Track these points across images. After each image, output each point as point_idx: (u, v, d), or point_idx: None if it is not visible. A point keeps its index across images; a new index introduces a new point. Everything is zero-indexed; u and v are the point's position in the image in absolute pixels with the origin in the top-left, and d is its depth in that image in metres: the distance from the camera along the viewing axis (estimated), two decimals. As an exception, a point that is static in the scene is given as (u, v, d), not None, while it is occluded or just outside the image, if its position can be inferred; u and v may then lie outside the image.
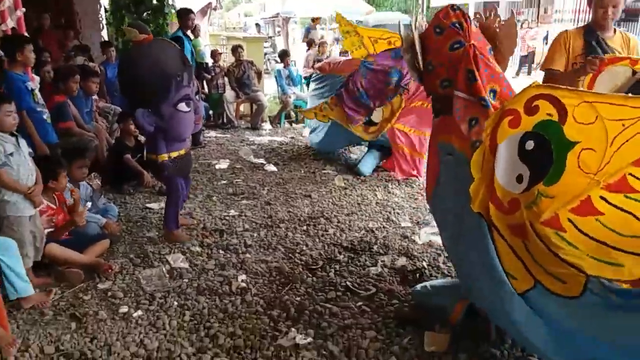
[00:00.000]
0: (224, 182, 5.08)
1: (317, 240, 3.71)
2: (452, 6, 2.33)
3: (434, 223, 3.98)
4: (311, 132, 6.54)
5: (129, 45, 3.36)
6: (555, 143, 1.78)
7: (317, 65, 6.82)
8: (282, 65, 8.52)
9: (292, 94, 8.22)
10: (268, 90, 9.96)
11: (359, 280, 3.12)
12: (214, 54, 8.24)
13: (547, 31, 14.99)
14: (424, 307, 2.77)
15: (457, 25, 2.28)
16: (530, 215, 1.87)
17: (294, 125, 8.27)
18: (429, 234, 3.79)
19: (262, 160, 5.85)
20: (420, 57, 2.42)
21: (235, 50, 8.11)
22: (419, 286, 2.90)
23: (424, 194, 4.66)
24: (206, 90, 8.05)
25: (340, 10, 13.77)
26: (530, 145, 1.85)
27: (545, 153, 1.80)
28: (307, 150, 6.40)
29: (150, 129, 3.18)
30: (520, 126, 1.87)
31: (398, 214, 4.24)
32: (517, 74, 14.58)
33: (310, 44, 11.43)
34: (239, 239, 3.68)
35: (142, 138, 4.91)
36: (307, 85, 8.74)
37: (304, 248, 3.56)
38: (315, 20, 12.68)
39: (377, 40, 5.16)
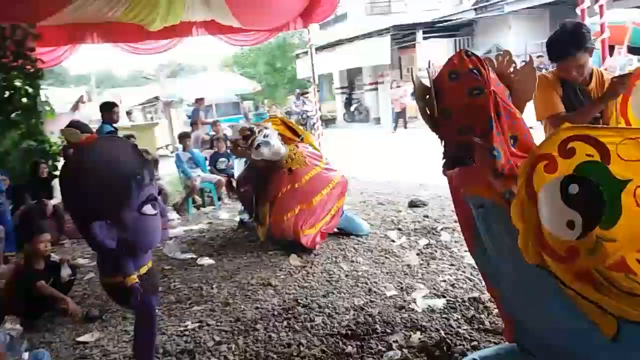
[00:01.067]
0: (159, 289, 4.31)
1: (309, 334, 3.17)
2: (465, 52, 2.14)
3: (419, 286, 3.69)
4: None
5: (70, 151, 2.75)
6: (603, 184, 1.62)
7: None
8: (181, 148, 7.92)
9: (197, 177, 7.60)
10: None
11: (386, 372, 2.64)
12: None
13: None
14: (481, 384, 2.38)
15: (474, 71, 2.09)
16: (594, 262, 1.68)
17: (202, 209, 7.62)
18: (424, 299, 3.45)
19: (191, 255, 5.14)
20: (435, 104, 2.17)
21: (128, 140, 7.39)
22: (464, 360, 2.52)
23: (388, 257, 4.38)
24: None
25: (229, 89, 13.64)
26: (574, 188, 1.67)
27: (594, 195, 1.63)
28: (235, 232, 5.83)
29: (112, 244, 2.48)
30: (558, 170, 1.70)
31: (375, 283, 3.85)
32: (395, 129, 15.56)
33: (194, 124, 11.00)
34: (218, 357, 3.01)
35: (55, 257, 4.03)
36: (211, 165, 8.22)
37: (302, 348, 2.99)
38: (199, 100, 12.24)
39: None
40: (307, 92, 22.20)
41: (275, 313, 3.52)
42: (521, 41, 15.71)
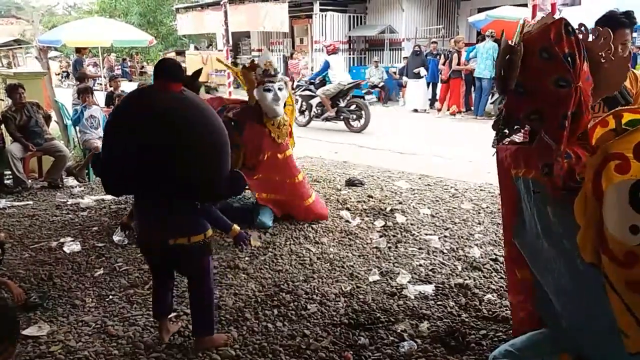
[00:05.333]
0: (101, 271, 3.75)
1: (309, 323, 2.99)
2: (566, 26, 1.91)
3: (398, 270, 3.67)
4: None
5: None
6: None
7: None
8: (80, 104, 6.95)
9: (98, 138, 6.74)
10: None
11: (412, 365, 2.58)
12: (-16, 98, 6.27)
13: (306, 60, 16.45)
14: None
15: (569, 58, 1.91)
16: None
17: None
18: (411, 285, 3.43)
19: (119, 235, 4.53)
20: (515, 75, 2.04)
21: (14, 90, 6.29)
22: (497, 353, 2.51)
23: (352, 238, 4.28)
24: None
25: (122, 39, 12.20)
26: None
27: None
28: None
29: None
30: (630, 172, 1.67)
31: (352, 267, 3.75)
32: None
33: (82, 78, 9.73)
34: (217, 351, 2.70)
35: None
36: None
37: (310, 340, 2.81)
38: (81, 50, 10.77)
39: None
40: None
41: (259, 300, 3.27)
42: (412, 25, 16.40)
